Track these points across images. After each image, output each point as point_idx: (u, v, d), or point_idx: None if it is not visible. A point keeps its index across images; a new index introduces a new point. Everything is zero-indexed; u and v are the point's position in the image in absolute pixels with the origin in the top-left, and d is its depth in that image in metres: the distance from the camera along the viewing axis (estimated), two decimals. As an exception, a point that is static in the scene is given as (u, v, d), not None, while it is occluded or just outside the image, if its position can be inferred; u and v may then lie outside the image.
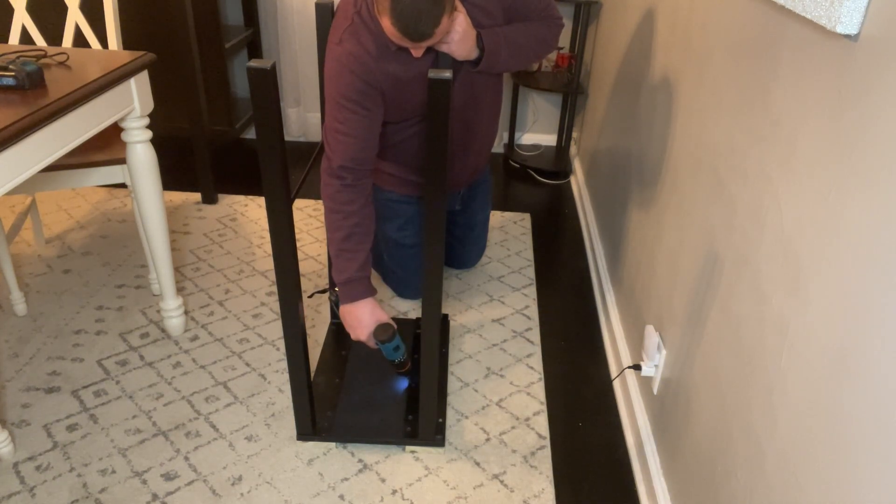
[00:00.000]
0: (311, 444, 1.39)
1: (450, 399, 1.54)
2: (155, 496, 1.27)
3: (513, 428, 1.47)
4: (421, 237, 1.86)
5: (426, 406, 1.34)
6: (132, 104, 1.41)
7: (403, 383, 1.53)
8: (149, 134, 1.46)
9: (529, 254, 2.15)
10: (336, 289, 1.47)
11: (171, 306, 1.65)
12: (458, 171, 1.74)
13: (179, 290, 1.87)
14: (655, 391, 1.35)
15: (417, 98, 1.50)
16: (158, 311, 1.77)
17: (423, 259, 1.16)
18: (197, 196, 2.38)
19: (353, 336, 1.43)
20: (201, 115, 2.22)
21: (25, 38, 2.19)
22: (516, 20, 1.52)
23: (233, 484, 1.30)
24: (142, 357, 1.61)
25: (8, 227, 1.96)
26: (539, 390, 1.58)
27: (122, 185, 2.43)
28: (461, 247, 1.99)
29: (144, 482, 1.29)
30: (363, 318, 1.40)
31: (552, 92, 2.80)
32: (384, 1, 1.23)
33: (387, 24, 1.25)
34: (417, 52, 1.34)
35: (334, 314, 1.60)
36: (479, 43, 1.44)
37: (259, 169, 2.63)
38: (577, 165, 2.70)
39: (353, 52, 1.38)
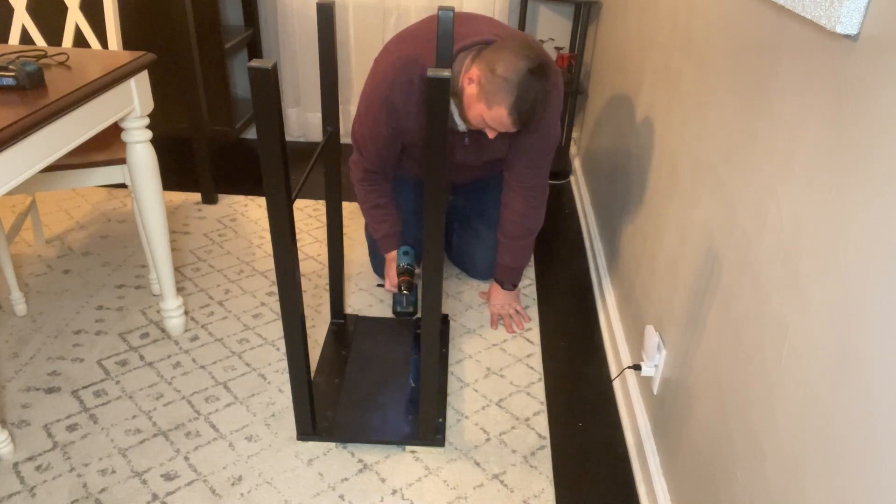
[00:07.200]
0: (311, 444, 1.39)
1: (450, 399, 1.54)
2: (155, 496, 1.27)
3: (513, 428, 1.47)
4: (414, 208, 1.86)
5: (426, 406, 1.34)
6: (132, 104, 1.41)
7: (404, 380, 1.53)
8: (149, 134, 1.46)
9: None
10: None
11: (171, 306, 1.65)
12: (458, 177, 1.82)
13: (179, 290, 1.87)
14: (655, 391, 1.35)
15: (417, 151, 1.67)
16: (158, 311, 1.77)
17: (422, 259, 1.16)
18: (197, 196, 2.38)
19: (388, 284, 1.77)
20: (201, 115, 2.22)
21: (25, 38, 2.19)
22: (514, 147, 1.64)
23: (233, 484, 1.30)
24: (142, 357, 1.61)
25: (8, 227, 1.96)
26: (539, 390, 1.58)
27: (122, 185, 2.43)
28: (478, 244, 1.89)
29: (144, 482, 1.29)
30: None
31: (552, 92, 2.80)
32: (500, 94, 1.33)
33: (499, 112, 1.35)
34: (493, 134, 1.44)
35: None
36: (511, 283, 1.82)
37: (259, 169, 2.63)
38: (577, 165, 2.70)
39: (401, 97, 1.50)
